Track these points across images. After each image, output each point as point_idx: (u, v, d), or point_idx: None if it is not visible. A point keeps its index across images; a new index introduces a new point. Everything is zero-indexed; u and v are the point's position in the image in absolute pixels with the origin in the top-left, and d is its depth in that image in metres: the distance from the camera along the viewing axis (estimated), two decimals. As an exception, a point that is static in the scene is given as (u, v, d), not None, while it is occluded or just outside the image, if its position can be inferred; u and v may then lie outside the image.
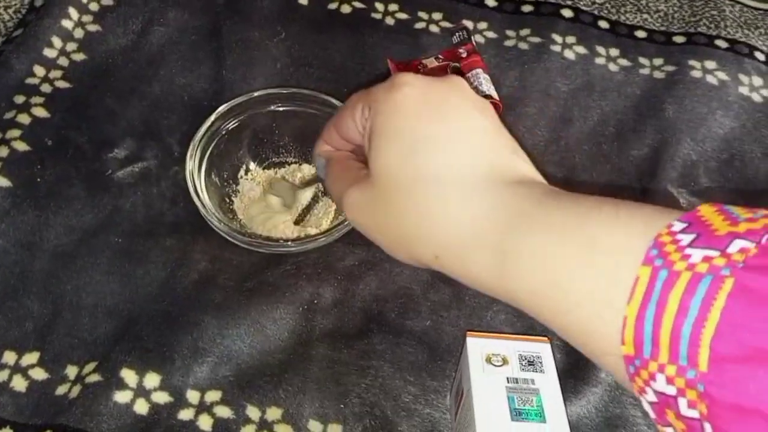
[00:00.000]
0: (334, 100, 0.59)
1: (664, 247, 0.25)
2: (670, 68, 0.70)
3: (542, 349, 0.48)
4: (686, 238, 0.25)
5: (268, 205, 0.58)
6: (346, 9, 0.73)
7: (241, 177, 0.60)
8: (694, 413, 0.24)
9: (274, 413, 0.51)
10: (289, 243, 0.53)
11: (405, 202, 0.32)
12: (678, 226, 0.26)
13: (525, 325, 0.56)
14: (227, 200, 0.59)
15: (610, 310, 0.26)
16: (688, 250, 0.24)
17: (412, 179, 0.32)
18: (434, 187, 0.32)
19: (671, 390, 0.24)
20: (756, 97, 0.69)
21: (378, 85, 0.34)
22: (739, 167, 0.65)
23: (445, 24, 0.72)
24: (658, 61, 0.71)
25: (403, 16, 0.73)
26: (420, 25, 0.72)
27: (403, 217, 0.32)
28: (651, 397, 0.26)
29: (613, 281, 0.26)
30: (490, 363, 0.47)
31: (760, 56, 0.72)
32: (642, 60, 0.71)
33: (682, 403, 0.24)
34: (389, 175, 0.33)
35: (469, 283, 0.32)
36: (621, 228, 0.27)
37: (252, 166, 0.61)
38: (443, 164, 0.32)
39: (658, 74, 0.70)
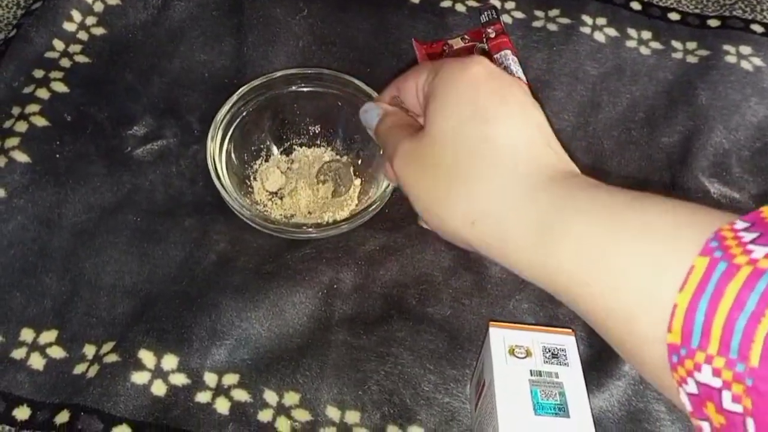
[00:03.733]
0: (357, 81, 0.57)
1: (725, 241, 0.25)
2: (703, 53, 0.68)
3: (566, 342, 0.47)
4: (748, 236, 0.25)
5: (317, 194, 0.57)
6: (370, -14, 0.71)
7: (262, 160, 0.59)
8: (737, 408, 0.24)
9: (291, 398, 0.51)
10: (311, 229, 0.52)
11: (455, 161, 0.33)
12: (741, 224, 0.25)
13: (548, 315, 0.55)
14: (248, 182, 0.58)
15: (657, 297, 0.26)
16: (751, 246, 0.24)
17: (466, 140, 0.33)
18: (487, 152, 0.32)
19: (716, 382, 0.24)
20: (793, 85, 0.67)
21: (449, 59, 0.36)
22: (772, 157, 0.63)
23: (472, 3, 0.70)
24: (691, 45, 0.69)
25: (428, -6, 0.71)
26: (446, 4, 0.70)
27: (449, 175, 0.33)
28: (692, 388, 0.25)
29: (663, 268, 0.26)
30: (513, 355, 0.46)
31: (798, 42, 0.69)
32: (675, 43, 0.69)
33: (726, 396, 0.24)
34: (445, 133, 0.34)
35: (500, 257, 0.32)
36: (680, 218, 0.27)
37: (274, 148, 0.59)
38: (500, 134, 0.32)
39: (691, 59, 0.68)
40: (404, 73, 0.39)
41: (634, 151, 0.63)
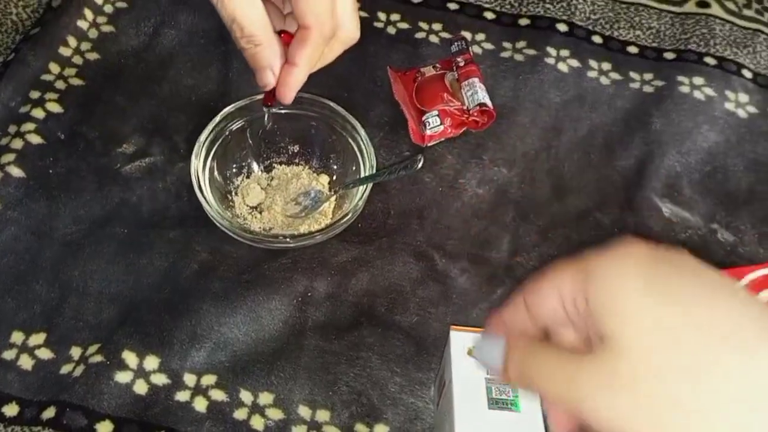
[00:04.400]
0: (333, 104, 0.62)
1: None
2: (659, 83, 0.73)
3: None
4: None
5: (290, 214, 0.61)
6: (349, 17, 0.76)
7: (243, 176, 0.63)
8: None
9: (266, 398, 0.54)
10: (288, 239, 0.56)
11: (684, 391, 0.27)
12: None
13: (509, 323, 0.58)
14: (229, 197, 0.62)
15: None
16: None
17: (689, 357, 0.27)
18: (723, 377, 0.27)
19: None
20: (741, 113, 0.72)
21: (592, 255, 0.31)
22: (721, 180, 0.68)
23: (445, 35, 0.75)
24: (648, 76, 0.74)
25: (404, 25, 0.76)
26: (420, 35, 0.75)
27: (685, 411, 0.27)
28: None
29: None
30: (471, 356, 0.50)
31: (748, 74, 0.74)
32: (633, 74, 0.74)
33: None
34: (651, 349, 0.28)
35: None
36: None
37: (254, 165, 0.63)
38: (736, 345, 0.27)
39: (647, 88, 0.73)
40: (523, 289, 0.33)
41: (592, 173, 0.67)
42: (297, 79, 0.50)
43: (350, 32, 0.51)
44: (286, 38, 0.50)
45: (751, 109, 0.72)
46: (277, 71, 0.49)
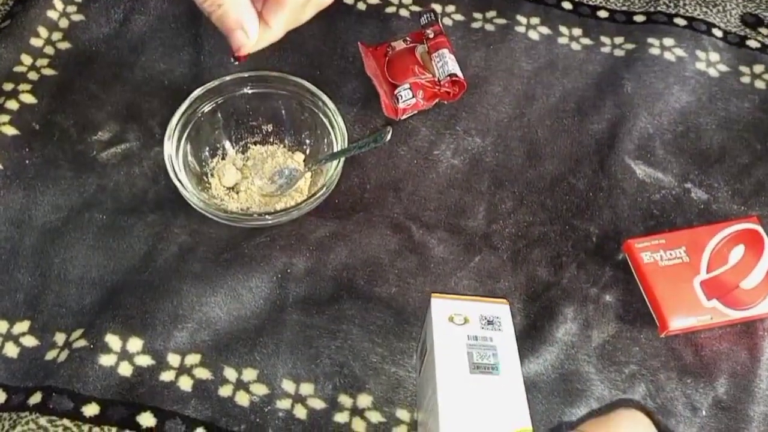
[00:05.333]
0: (303, 82, 0.62)
1: None
2: (629, 46, 0.73)
3: (501, 311, 0.51)
4: None
5: (266, 193, 0.62)
6: (319, -5, 0.76)
7: (218, 158, 0.63)
8: None
9: (249, 374, 0.55)
10: (265, 216, 0.57)
11: None
12: None
13: (486, 290, 0.59)
14: (205, 179, 0.62)
15: None
16: None
17: None
18: None
19: None
20: (712, 72, 0.72)
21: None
22: (693, 139, 0.68)
23: (415, 8, 0.75)
24: (618, 40, 0.74)
25: (373, 0, 0.76)
26: (390, 10, 0.75)
27: None
28: None
29: None
30: (452, 322, 0.51)
31: (718, 33, 0.75)
32: (603, 39, 0.74)
33: None
34: None
35: None
36: None
37: (228, 146, 0.64)
38: None
39: (618, 52, 0.73)
40: None
41: (565, 138, 0.68)
42: (268, 40, 0.49)
43: None
44: None
45: (722, 68, 0.72)
46: (250, 30, 0.47)
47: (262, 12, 0.47)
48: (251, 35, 0.47)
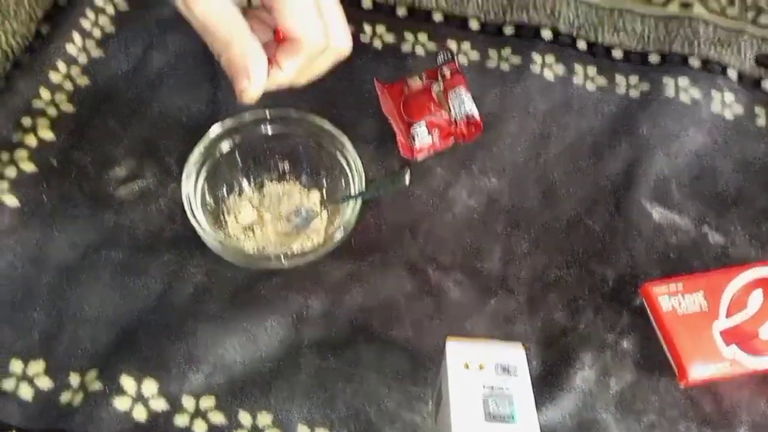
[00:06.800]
0: (322, 121, 0.62)
1: None
2: (645, 87, 0.73)
3: (517, 357, 0.51)
4: None
5: (282, 232, 0.62)
6: (336, 32, 0.76)
7: (235, 196, 0.63)
8: None
9: (264, 419, 0.54)
10: (281, 259, 0.57)
11: None
12: None
13: (502, 334, 0.59)
14: (222, 217, 0.62)
15: None
16: None
17: None
18: None
19: None
20: (728, 114, 0.72)
21: None
22: (709, 182, 0.68)
23: (431, 46, 0.76)
24: (633, 80, 0.74)
25: (390, 38, 0.76)
26: (406, 48, 0.76)
27: None
28: None
29: None
30: (467, 369, 0.50)
31: (733, 74, 0.75)
32: (618, 79, 0.74)
33: None
34: None
35: None
36: None
37: (245, 183, 0.64)
38: None
39: (633, 93, 0.73)
40: None
41: (581, 179, 0.68)
42: (276, 80, 0.48)
43: (342, 47, 0.51)
44: (278, 37, 0.48)
45: (738, 110, 0.73)
46: (255, 77, 0.47)
47: (276, 54, 0.48)
48: (255, 82, 0.47)
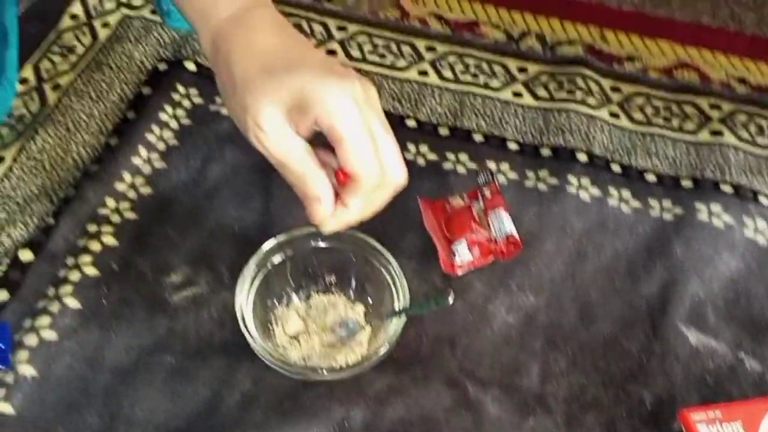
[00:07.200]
0: (368, 238, 0.66)
1: None
2: (678, 210, 0.76)
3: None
4: None
5: (327, 343, 0.64)
6: (382, 150, 0.81)
7: (283, 306, 0.67)
8: None
9: None
10: (325, 372, 0.59)
11: None
12: None
13: (541, 453, 0.60)
14: (270, 326, 0.65)
15: None
16: None
17: None
18: None
19: None
20: (761, 240, 0.74)
21: None
22: (745, 306, 0.70)
23: (471, 165, 0.80)
24: (667, 204, 0.77)
25: (433, 157, 0.81)
26: (448, 166, 0.80)
27: None
28: None
29: None
30: None
31: (764, 201, 0.77)
32: (652, 202, 0.77)
33: None
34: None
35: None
36: None
37: (293, 295, 0.67)
38: None
39: (667, 216, 0.76)
40: None
41: (617, 299, 0.70)
42: (345, 219, 0.54)
43: (397, 179, 0.55)
44: (342, 179, 0.53)
45: (770, 235, 0.75)
46: (326, 203, 0.52)
47: (340, 194, 0.52)
48: (329, 208, 0.52)
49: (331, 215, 0.54)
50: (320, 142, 0.54)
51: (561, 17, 1.01)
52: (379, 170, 0.52)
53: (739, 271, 0.72)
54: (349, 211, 0.53)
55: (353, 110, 0.51)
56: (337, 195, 0.54)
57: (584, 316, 0.69)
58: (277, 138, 0.51)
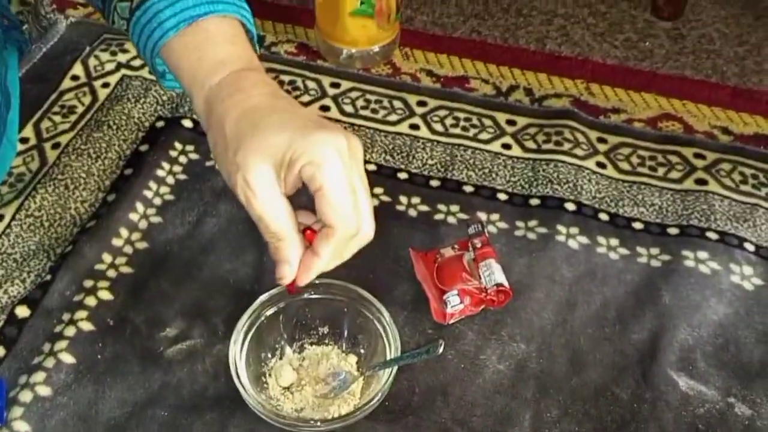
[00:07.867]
0: (360, 290, 0.67)
1: None
2: (665, 257, 0.77)
3: None
4: None
5: (320, 394, 0.65)
6: (374, 202, 0.83)
7: (276, 358, 0.67)
8: None
9: None
10: (318, 423, 0.59)
11: None
12: None
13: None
14: (263, 378, 0.66)
15: None
16: None
17: None
18: None
19: None
20: (747, 286, 0.75)
21: None
22: (734, 352, 0.70)
23: (462, 215, 0.82)
24: (654, 251, 0.78)
25: (424, 208, 0.82)
26: (439, 217, 0.82)
27: None
28: None
29: None
30: None
31: (750, 247, 0.79)
32: (639, 249, 0.79)
33: None
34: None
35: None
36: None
37: (287, 347, 0.68)
38: None
39: (654, 263, 0.77)
40: None
41: (607, 346, 0.70)
42: (317, 267, 0.56)
43: (368, 233, 0.57)
44: (310, 236, 0.56)
45: (757, 281, 0.76)
46: (295, 266, 0.56)
47: (313, 244, 0.54)
48: (294, 271, 0.56)
49: (303, 266, 0.56)
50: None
51: (548, 71, 1.04)
52: (356, 222, 0.54)
53: (727, 316, 0.73)
54: (320, 259, 0.55)
55: (336, 161, 0.52)
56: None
57: (575, 363, 0.69)
58: (265, 199, 0.53)
